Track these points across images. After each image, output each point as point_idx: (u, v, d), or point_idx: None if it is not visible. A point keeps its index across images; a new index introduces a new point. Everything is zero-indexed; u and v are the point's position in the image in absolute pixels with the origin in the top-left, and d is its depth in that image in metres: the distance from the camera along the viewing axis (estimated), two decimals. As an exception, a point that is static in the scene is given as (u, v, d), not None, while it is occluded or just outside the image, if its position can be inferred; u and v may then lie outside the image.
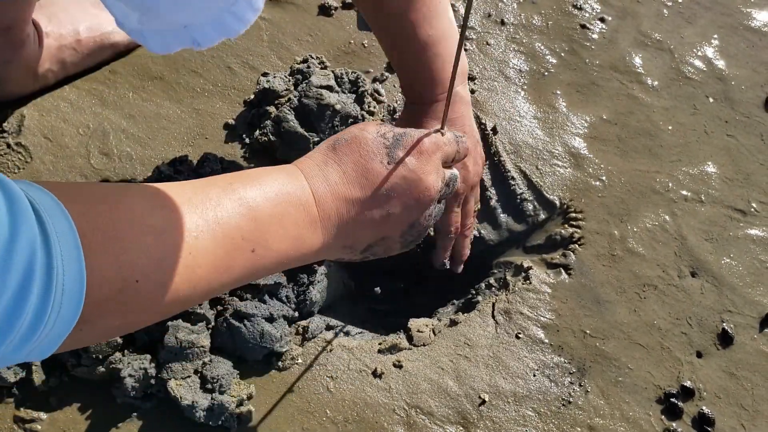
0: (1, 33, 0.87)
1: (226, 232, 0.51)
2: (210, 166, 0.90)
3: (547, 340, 0.89)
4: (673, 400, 0.86)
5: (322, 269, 0.87)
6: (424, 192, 0.61)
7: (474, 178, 0.83)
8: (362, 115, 1.01)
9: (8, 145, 0.93)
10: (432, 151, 0.61)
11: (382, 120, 1.04)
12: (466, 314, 0.92)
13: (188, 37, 0.48)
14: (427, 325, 0.90)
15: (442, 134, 0.64)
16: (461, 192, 0.80)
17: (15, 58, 0.91)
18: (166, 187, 0.51)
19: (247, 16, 0.49)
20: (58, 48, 0.96)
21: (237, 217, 0.52)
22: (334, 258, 0.64)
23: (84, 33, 0.98)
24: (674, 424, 0.85)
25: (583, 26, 1.23)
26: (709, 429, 0.85)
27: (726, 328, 0.92)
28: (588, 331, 0.91)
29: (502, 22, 1.21)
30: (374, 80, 1.09)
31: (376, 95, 1.05)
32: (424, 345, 0.88)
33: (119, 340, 0.78)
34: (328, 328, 0.87)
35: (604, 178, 1.05)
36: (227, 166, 0.91)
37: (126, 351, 0.79)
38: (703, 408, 0.86)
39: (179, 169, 0.91)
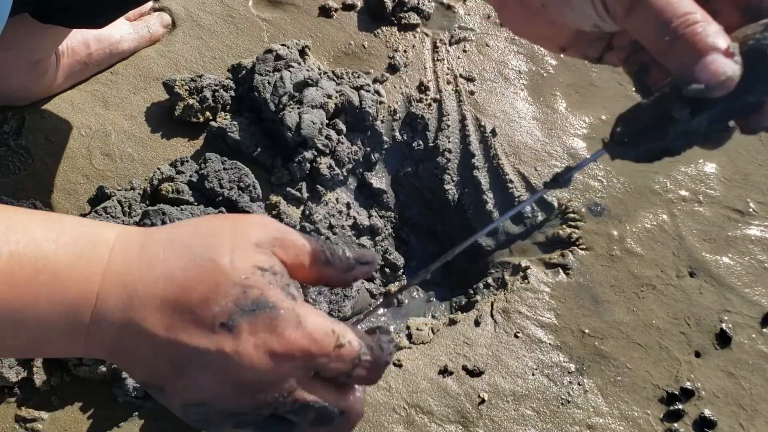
0: (29, 66, 0.91)
1: None
2: (211, 166, 0.90)
3: (546, 340, 0.90)
4: (676, 404, 0.86)
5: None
6: (238, 388, 0.39)
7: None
8: (360, 104, 1.02)
9: (9, 147, 0.94)
10: (288, 355, 0.39)
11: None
12: (465, 313, 0.93)
13: None
14: (426, 324, 0.90)
15: (338, 339, 0.41)
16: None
17: (36, 85, 0.95)
18: None
19: None
20: (69, 64, 0.98)
21: None
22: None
23: (94, 45, 1.00)
24: (675, 425, 0.85)
25: (582, 27, 1.24)
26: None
27: (724, 327, 0.93)
28: (587, 331, 0.91)
29: (502, 24, 1.21)
30: (374, 81, 1.09)
31: (377, 95, 1.06)
32: (423, 343, 0.88)
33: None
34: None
35: (602, 178, 1.06)
36: (229, 167, 0.91)
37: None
38: (705, 411, 0.86)
39: (180, 170, 0.92)
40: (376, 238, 1.02)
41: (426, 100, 1.09)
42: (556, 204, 1.02)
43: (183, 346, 0.39)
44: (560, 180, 0.46)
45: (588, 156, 1.07)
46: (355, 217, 0.99)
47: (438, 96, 1.09)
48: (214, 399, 0.40)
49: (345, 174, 1.01)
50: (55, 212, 0.81)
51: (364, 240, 1.00)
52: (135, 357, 0.41)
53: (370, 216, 1.02)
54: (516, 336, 0.90)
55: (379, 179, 1.05)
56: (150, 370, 0.41)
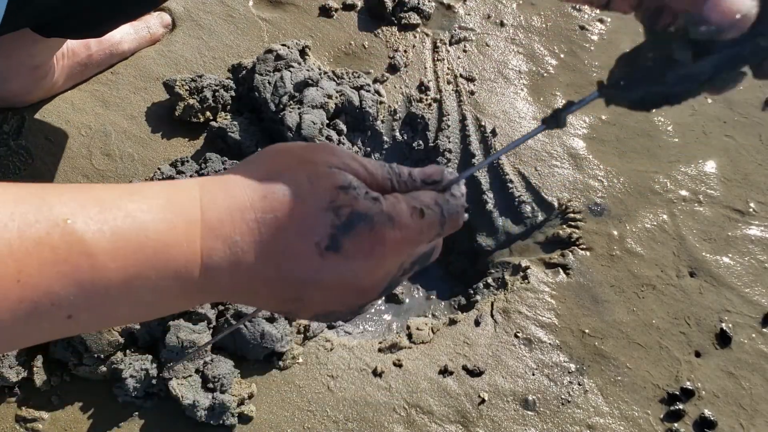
0: (30, 71, 0.91)
1: (28, 292, 0.35)
2: (212, 166, 0.90)
3: (546, 340, 0.90)
4: (677, 404, 0.86)
5: None
6: (360, 293, 0.44)
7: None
8: (360, 104, 1.02)
9: (9, 147, 0.94)
10: (393, 251, 0.43)
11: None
12: (465, 313, 0.93)
13: None
14: (426, 324, 0.90)
15: (422, 213, 0.44)
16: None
17: (37, 89, 0.95)
18: None
19: None
20: (70, 66, 0.98)
21: (54, 273, 0.35)
22: None
23: (94, 47, 1.00)
24: (675, 425, 0.85)
25: (582, 27, 1.24)
26: None
27: (724, 327, 0.93)
28: (587, 331, 0.91)
29: (502, 24, 1.21)
30: (375, 81, 1.09)
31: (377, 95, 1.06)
32: (423, 342, 0.88)
33: (120, 340, 0.79)
34: (330, 327, 0.88)
35: (602, 178, 1.06)
36: (229, 167, 0.91)
37: (128, 351, 0.79)
38: (705, 411, 0.86)
39: (180, 170, 0.92)
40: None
41: (426, 100, 1.09)
42: (556, 204, 1.02)
43: (297, 280, 0.41)
44: (559, 117, 0.44)
45: (587, 156, 1.07)
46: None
47: (438, 96, 1.09)
48: (341, 306, 0.45)
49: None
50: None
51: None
52: (252, 296, 0.43)
53: None
54: (516, 336, 0.90)
55: None
56: (272, 305, 0.44)
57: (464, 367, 0.86)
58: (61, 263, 0.35)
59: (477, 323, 0.90)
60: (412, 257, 0.46)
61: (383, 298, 0.47)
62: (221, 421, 0.76)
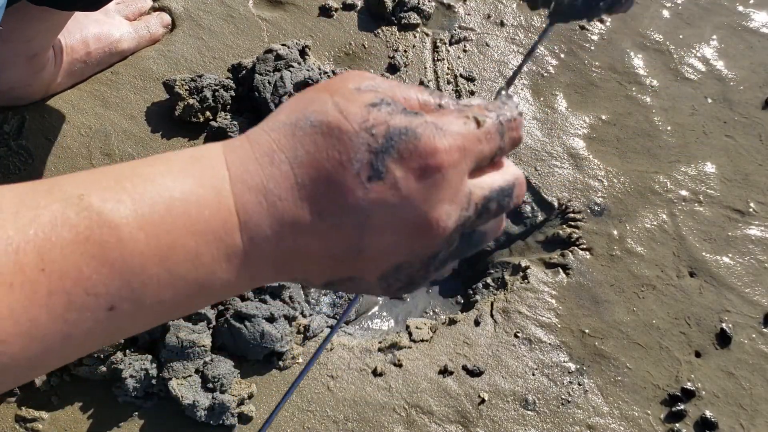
0: (27, 60, 0.90)
1: (56, 282, 0.30)
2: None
3: (546, 340, 0.90)
4: (678, 404, 0.86)
5: None
6: (424, 229, 0.36)
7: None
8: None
9: (9, 147, 0.94)
10: (451, 163, 0.36)
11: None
12: (465, 313, 0.93)
13: None
14: (425, 324, 0.90)
15: (479, 123, 0.38)
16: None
17: (35, 81, 0.94)
18: None
19: None
20: (69, 63, 0.98)
21: (78, 255, 0.31)
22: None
23: (93, 44, 1.00)
24: (675, 426, 0.85)
25: (582, 27, 1.24)
26: None
27: (724, 327, 0.93)
28: (587, 331, 0.91)
29: (502, 24, 1.21)
30: (374, 81, 1.09)
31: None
32: (423, 341, 0.88)
33: (121, 340, 0.79)
34: (330, 326, 0.88)
35: (602, 178, 1.06)
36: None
37: (127, 351, 0.79)
38: (706, 412, 0.86)
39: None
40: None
41: (426, 100, 1.08)
42: (556, 204, 1.02)
43: (347, 223, 0.35)
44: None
45: (587, 156, 1.07)
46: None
47: (438, 96, 1.09)
48: (408, 255, 0.37)
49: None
50: None
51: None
52: (305, 258, 0.37)
53: None
54: (516, 336, 0.90)
55: None
56: (328, 265, 0.37)
57: (464, 367, 0.86)
58: (83, 242, 0.31)
59: (477, 323, 0.90)
60: (474, 190, 0.38)
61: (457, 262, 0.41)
62: (221, 421, 0.76)
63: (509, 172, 0.40)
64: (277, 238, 0.35)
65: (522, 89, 1.14)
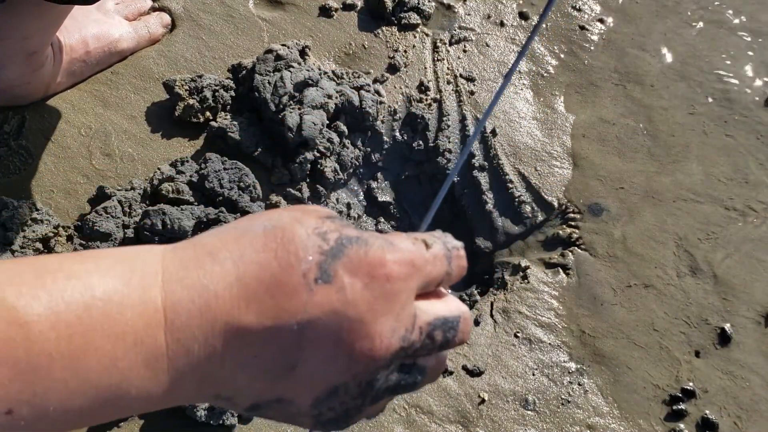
0: (25, 58, 0.90)
1: None
2: (211, 166, 0.90)
3: (546, 340, 0.90)
4: (679, 404, 0.86)
5: None
6: (366, 344, 0.34)
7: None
8: (361, 104, 1.02)
9: (9, 147, 0.94)
10: (399, 276, 0.35)
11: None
12: (465, 314, 0.93)
13: None
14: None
15: (427, 245, 0.38)
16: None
17: (34, 79, 0.94)
18: None
19: None
20: (68, 62, 0.98)
21: None
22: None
23: (92, 43, 1.00)
24: (675, 426, 0.85)
25: (582, 27, 1.24)
26: None
27: (724, 327, 0.93)
28: (587, 331, 0.91)
29: (502, 24, 1.21)
30: (374, 81, 1.09)
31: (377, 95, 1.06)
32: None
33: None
34: None
35: (602, 178, 1.06)
36: (229, 167, 0.91)
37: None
38: (706, 412, 0.86)
39: (180, 170, 0.92)
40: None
41: (426, 100, 1.09)
42: (556, 204, 1.02)
43: (286, 325, 0.33)
44: None
45: (587, 156, 1.07)
46: (360, 222, 1.00)
47: (438, 96, 1.09)
48: (346, 374, 0.34)
49: (347, 177, 1.01)
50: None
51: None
52: (234, 371, 0.34)
53: (377, 222, 1.03)
54: (516, 336, 0.90)
55: (383, 192, 1.05)
56: (258, 380, 0.34)
57: (464, 367, 0.86)
58: None
59: (477, 323, 0.90)
60: (419, 315, 0.36)
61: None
62: (221, 421, 0.76)
63: (455, 306, 0.39)
64: (207, 341, 0.33)
65: (522, 89, 1.14)
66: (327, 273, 0.34)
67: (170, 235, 0.82)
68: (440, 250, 0.38)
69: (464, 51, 1.16)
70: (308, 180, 0.97)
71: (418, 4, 1.17)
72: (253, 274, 0.33)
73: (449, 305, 0.39)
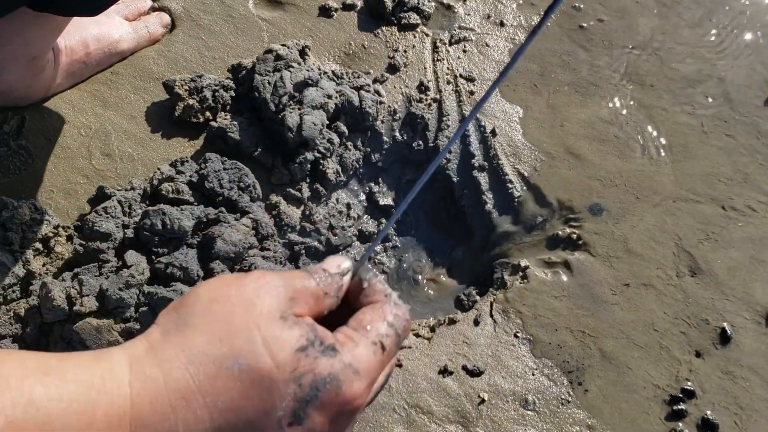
0: (26, 63, 0.90)
1: None
2: (211, 166, 0.90)
3: (545, 339, 0.90)
4: (680, 404, 0.86)
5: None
6: None
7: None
8: (360, 104, 1.02)
9: (9, 147, 0.94)
10: (362, 402, 0.40)
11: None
12: (464, 313, 0.93)
13: None
14: (426, 323, 0.90)
15: (382, 347, 0.42)
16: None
17: (35, 83, 0.95)
18: None
19: None
20: (68, 63, 0.98)
21: None
22: None
23: (93, 45, 1.00)
24: (676, 426, 0.85)
25: (582, 27, 1.24)
26: None
27: (725, 327, 0.93)
28: (586, 331, 0.91)
29: (502, 24, 1.21)
30: (374, 81, 1.09)
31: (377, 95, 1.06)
32: (424, 338, 0.88)
33: (121, 340, 0.79)
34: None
35: (602, 178, 1.06)
36: (229, 167, 0.91)
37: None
38: (707, 412, 0.86)
39: (180, 170, 0.92)
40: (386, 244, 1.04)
41: (426, 100, 1.09)
42: (556, 204, 1.02)
43: None
44: None
45: (587, 156, 1.07)
46: (360, 225, 1.00)
47: (438, 96, 1.09)
48: None
49: (347, 178, 1.01)
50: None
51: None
52: None
53: (379, 224, 1.03)
54: (516, 336, 0.90)
55: (384, 196, 1.05)
56: None
57: (464, 367, 0.86)
58: None
59: (476, 323, 0.90)
60: (374, 393, 0.43)
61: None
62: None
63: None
64: None
65: (522, 89, 1.14)
66: (300, 417, 0.37)
67: (170, 235, 0.82)
68: (393, 344, 0.42)
69: (464, 51, 1.16)
70: (308, 180, 0.97)
71: (418, 4, 1.17)
72: (228, 421, 0.35)
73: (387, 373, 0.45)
